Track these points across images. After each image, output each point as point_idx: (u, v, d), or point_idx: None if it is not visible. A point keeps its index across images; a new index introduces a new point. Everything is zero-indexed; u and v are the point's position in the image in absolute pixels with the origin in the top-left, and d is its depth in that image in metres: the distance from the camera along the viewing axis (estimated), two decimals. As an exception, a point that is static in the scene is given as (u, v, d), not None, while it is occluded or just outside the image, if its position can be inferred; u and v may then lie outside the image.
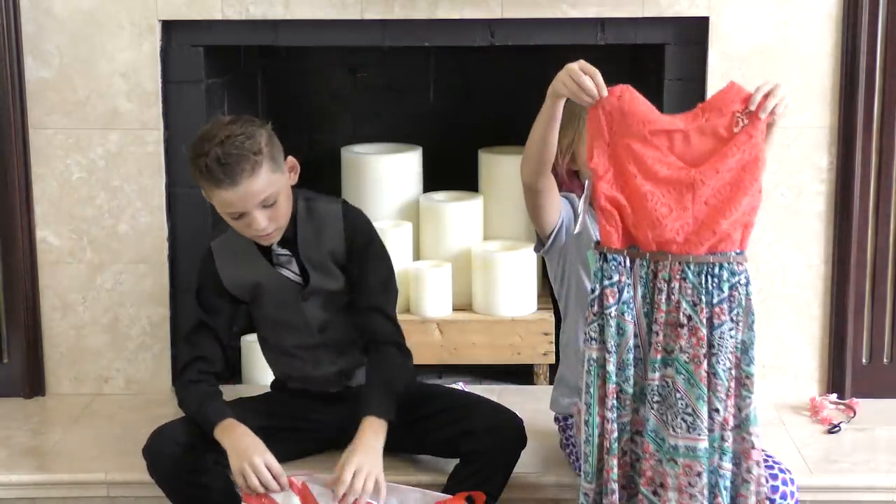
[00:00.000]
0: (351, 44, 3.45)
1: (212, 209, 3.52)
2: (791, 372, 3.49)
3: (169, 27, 3.41)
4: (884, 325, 3.45)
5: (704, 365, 2.47)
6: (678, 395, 2.47)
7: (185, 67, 3.44)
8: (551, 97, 2.58)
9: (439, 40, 3.43)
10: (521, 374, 3.68)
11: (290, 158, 2.87)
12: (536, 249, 2.87)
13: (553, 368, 3.68)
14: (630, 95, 2.52)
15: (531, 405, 3.35)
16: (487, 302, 3.67)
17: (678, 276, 2.48)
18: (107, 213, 3.48)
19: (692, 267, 2.48)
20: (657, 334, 2.49)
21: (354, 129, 4.17)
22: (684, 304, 2.47)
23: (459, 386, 3.44)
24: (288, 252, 2.93)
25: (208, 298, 2.96)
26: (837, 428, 3.28)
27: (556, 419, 3.05)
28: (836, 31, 3.33)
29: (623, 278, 2.50)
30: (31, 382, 3.53)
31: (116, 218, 3.48)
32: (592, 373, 2.52)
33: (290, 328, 2.98)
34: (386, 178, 3.79)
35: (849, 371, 3.45)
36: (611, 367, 2.51)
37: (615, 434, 2.52)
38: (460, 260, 3.72)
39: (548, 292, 3.82)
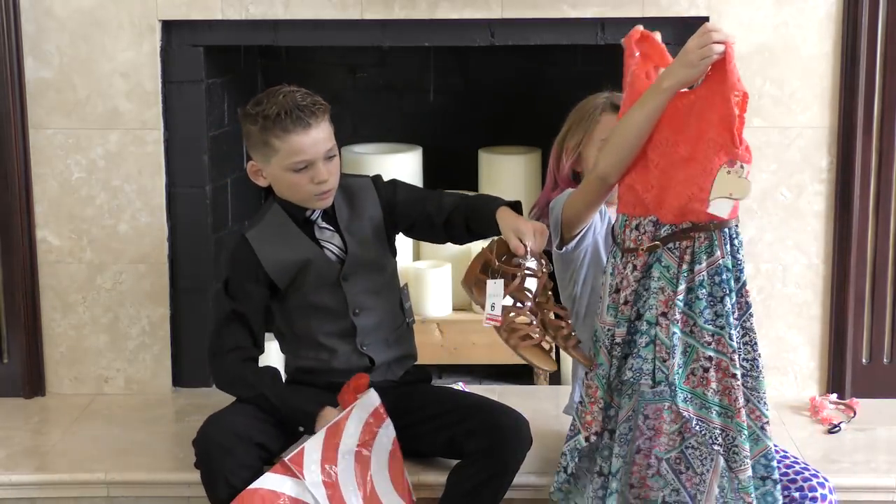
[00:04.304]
0: (351, 44, 3.45)
1: (213, 209, 3.54)
2: (791, 372, 3.49)
3: (169, 27, 3.41)
4: (884, 325, 3.45)
5: None
6: None
7: (185, 67, 3.44)
8: (669, 91, 2.47)
9: (439, 40, 3.43)
10: (521, 374, 3.68)
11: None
12: (559, 248, 2.82)
13: (553, 368, 3.69)
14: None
15: (531, 405, 3.35)
16: (487, 302, 3.67)
17: None
18: (107, 213, 3.48)
19: None
20: None
21: (354, 129, 4.17)
22: None
23: (459, 386, 3.44)
24: (330, 226, 2.98)
25: (241, 287, 2.96)
26: (837, 428, 3.28)
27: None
28: (836, 31, 3.33)
29: None
30: (31, 382, 3.53)
31: (116, 218, 3.48)
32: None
33: (324, 313, 2.99)
34: (386, 178, 3.79)
35: (849, 371, 3.45)
36: None
37: None
38: (460, 260, 3.72)
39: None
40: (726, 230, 2.48)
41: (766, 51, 3.34)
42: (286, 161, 2.88)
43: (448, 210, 2.96)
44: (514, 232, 2.74)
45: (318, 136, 2.88)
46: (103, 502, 3.09)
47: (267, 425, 2.89)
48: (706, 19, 3.32)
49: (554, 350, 2.78)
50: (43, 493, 3.09)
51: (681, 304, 2.50)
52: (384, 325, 3.02)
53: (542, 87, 4.09)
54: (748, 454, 2.51)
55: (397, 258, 3.13)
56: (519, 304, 2.73)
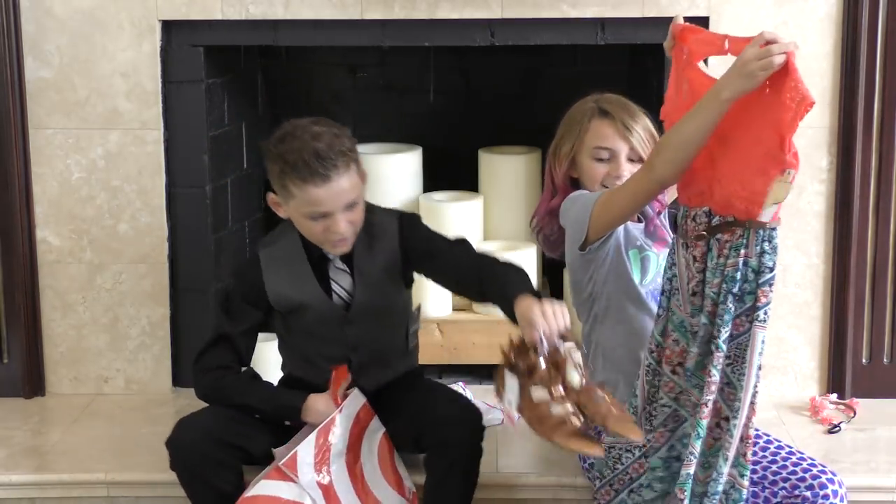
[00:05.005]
0: (351, 44, 3.45)
1: (213, 209, 3.54)
2: (791, 372, 3.49)
3: (169, 27, 3.41)
4: (884, 325, 3.45)
5: None
6: None
7: (185, 67, 3.44)
8: (728, 102, 2.43)
9: (439, 40, 3.43)
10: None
11: (362, 167, 2.86)
12: (582, 249, 2.79)
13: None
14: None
15: (531, 405, 3.35)
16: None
17: None
18: (107, 213, 3.48)
19: None
20: None
21: (354, 129, 4.14)
22: None
23: (459, 386, 3.44)
24: (345, 266, 2.88)
25: (239, 305, 2.90)
26: (837, 428, 3.28)
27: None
28: (836, 31, 3.33)
29: None
30: (31, 382, 3.53)
31: (116, 218, 3.48)
32: (762, 355, 2.49)
33: (322, 340, 2.93)
34: (386, 178, 3.79)
35: (849, 371, 3.45)
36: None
37: None
38: (460, 260, 3.72)
39: (548, 292, 3.82)
40: (760, 231, 2.46)
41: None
42: (302, 209, 2.76)
43: (462, 271, 2.83)
44: (528, 323, 2.57)
45: (339, 187, 2.73)
46: (103, 502, 3.09)
47: (243, 426, 2.87)
48: (706, 19, 3.32)
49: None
50: (43, 493, 3.09)
51: (714, 294, 2.48)
52: (383, 354, 2.97)
53: (542, 87, 4.09)
54: (696, 453, 2.51)
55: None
56: (551, 393, 2.66)
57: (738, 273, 2.46)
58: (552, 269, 3.86)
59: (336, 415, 2.83)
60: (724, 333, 2.47)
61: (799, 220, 3.42)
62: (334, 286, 2.90)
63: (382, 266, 2.89)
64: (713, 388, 2.49)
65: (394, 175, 3.81)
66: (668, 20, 3.33)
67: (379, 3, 3.34)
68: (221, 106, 3.61)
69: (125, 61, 3.40)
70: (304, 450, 2.79)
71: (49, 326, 3.54)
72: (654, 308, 2.82)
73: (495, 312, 3.63)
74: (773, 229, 2.47)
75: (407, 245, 2.91)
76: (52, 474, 3.10)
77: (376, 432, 2.89)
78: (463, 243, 2.92)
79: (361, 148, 3.91)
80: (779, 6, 3.33)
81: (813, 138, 3.38)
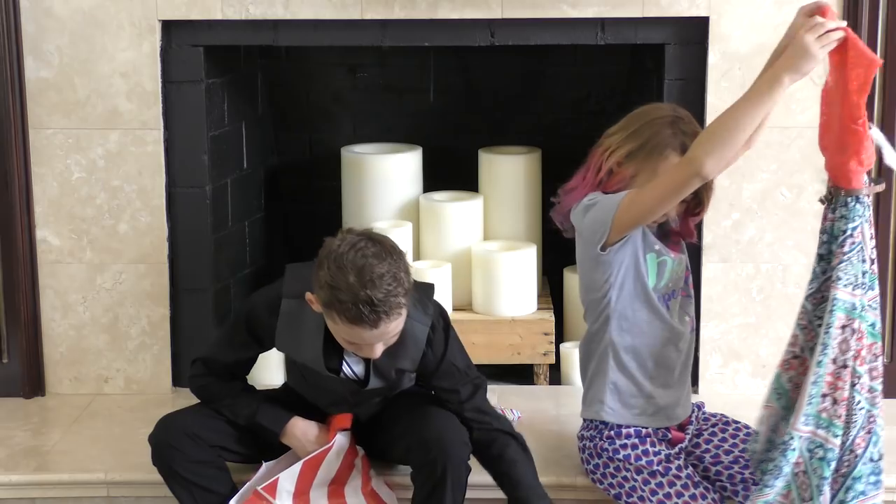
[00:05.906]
0: (351, 44, 3.45)
1: (213, 209, 3.54)
2: (791, 372, 3.49)
3: (169, 27, 3.41)
4: (884, 325, 3.44)
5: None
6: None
7: (185, 67, 3.44)
8: (789, 85, 2.56)
9: (439, 40, 3.43)
10: (521, 374, 3.68)
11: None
12: (602, 249, 2.76)
13: (553, 368, 3.68)
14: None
15: (531, 405, 3.36)
16: (487, 302, 3.67)
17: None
18: (107, 213, 3.48)
19: None
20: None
21: (354, 129, 4.17)
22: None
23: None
24: (363, 358, 2.82)
25: (244, 337, 2.87)
26: (837, 428, 3.28)
27: (594, 428, 2.92)
28: (836, 31, 3.32)
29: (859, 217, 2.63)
30: (31, 382, 3.53)
31: (116, 218, 3.48)
32: (834, 314, 2.61)
33: (324, 391, 2.91)
34: (386, 178, 3.79)
35: (849, 371, 3.45)
36: (858, 303, 2.60)
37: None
38: (460, 260, 3.72)
39: (548, 292, 3.82)
40: (842, 197, 2.63)
41: (767, 51, 3.31)
42: (342, 335, 2.66)
43: (471, 423, 2.84)
44: None
45: (385, 329, 2.61)
46: (103, 502, 3.09)
47: (225, 425, 2.89)
48: (706, 19, 3.32)
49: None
50: (43, 493, 3.09)
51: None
52: (384, 399, 2.96)
53: (542, 87, 4.09)
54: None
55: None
56: None
57: (824, 235, 2.62)
58: (553, 269, 3.86)
59: (327, 452, 2.86)
60: (809, 290, 2.66)
61: (799, 219, 3.42)
62: (345, 366, 2.85)
63: (400, 366, 2.84)
64: (793, 341, 2.74)
65: (394, 175, 3.81)
66: (669, 20, 3.36)
67: (379, 3, 3.34)
68: (221, 106, 3.61)
69: (125, 61, 3.40)
70: (287, 479, 2.83)
71: (49, 326, 3.54)
72: (665, 311, 2.82)
73: (495, 312, 3.66)
74: (851, 195, 2.61)
75: (426, 366, 2.85)
76: (52, 474, 3.10)
77: (360, 461, 2.93)
78: (476, 393, 2.88)
79: (361, 148, 3.95)
80: (779, 6, 3.33)
81: (813, 138, 3.35)
